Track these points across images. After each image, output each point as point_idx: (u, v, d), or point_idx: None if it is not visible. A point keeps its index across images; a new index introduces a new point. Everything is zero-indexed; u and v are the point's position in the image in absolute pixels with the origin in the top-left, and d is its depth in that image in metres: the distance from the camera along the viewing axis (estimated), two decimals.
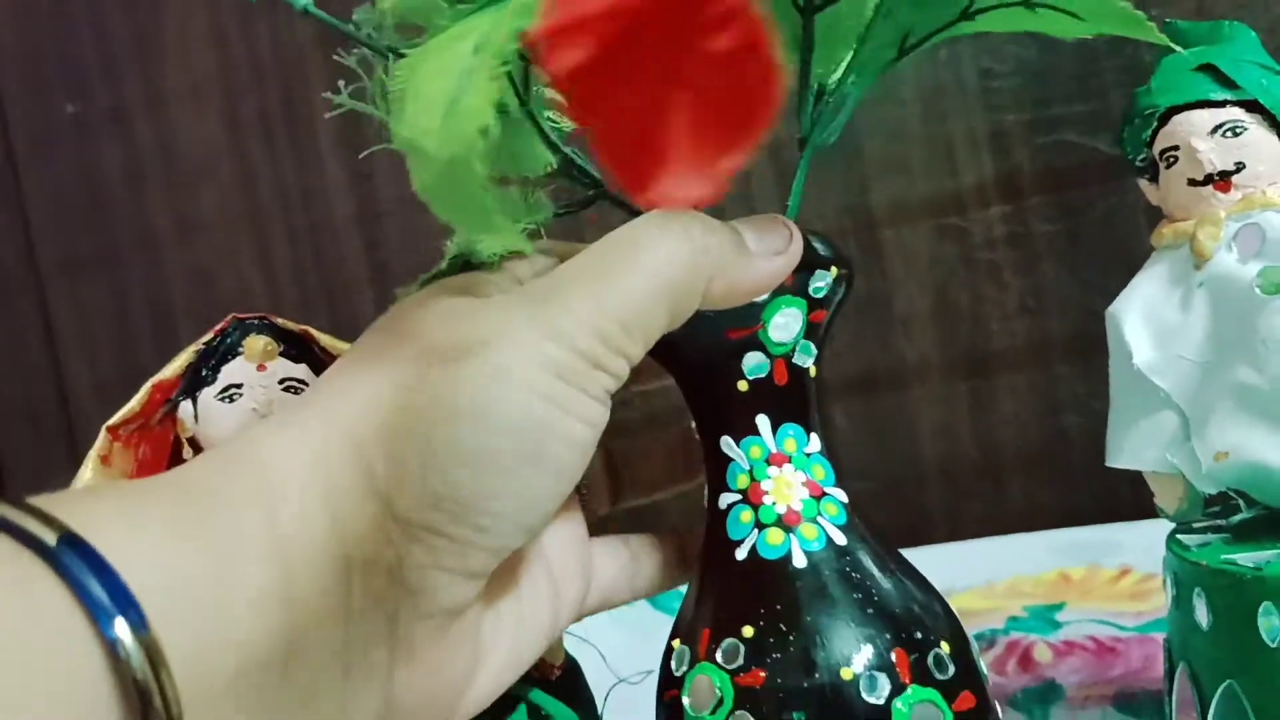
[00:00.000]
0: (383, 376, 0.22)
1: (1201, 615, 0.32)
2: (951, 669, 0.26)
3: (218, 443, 0.32)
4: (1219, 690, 0.32)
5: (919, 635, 0.27)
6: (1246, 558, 0.31)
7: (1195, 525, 0.36)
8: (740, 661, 0.27)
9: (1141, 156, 0.36)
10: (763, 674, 0.27)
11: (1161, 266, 0.35)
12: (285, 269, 0.85)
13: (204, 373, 0.35)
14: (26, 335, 1.01)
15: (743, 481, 0.29)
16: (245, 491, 0.20)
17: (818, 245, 0.29)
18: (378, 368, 0.23)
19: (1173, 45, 0.28)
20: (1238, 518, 0.36)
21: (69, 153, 0.97)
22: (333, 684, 0.21)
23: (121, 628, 0.16)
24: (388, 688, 0.22)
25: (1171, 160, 0.34)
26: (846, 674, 0.26)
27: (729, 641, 0.28)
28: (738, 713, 0.27)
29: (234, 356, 0.34)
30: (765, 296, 0.28)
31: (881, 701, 0.26)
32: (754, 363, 0.28)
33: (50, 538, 0.17)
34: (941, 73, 0.77)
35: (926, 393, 0.80)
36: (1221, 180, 0.33)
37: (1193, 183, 0.34)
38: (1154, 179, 0.36)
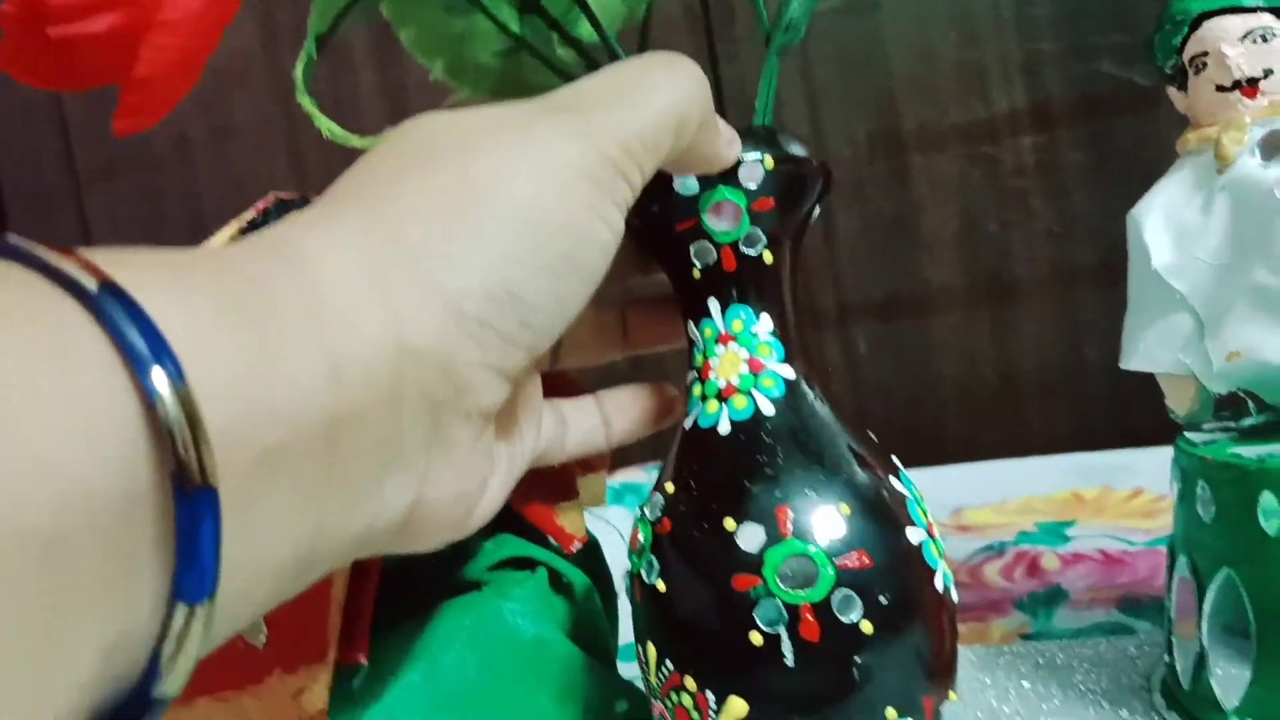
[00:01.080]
0: (422, 173, 0.23)
1: (1204, 508, 0.33)
2: (845, 530, 0.28)
3: None
4: (1217, 579, 0.33)
5: (810, 494, 0.28)
6: (1250, 451, 0.32)
7: (1205, 427, 0.37)
8: (658, 514, 0.30)
9: (1171, 63, 0.36)
10: (670, 523, 0.29)
11: (1185, 171, 0.36)
12: (318, 175, 0.86)
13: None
14: (65, 240, 1.03)
15: (698, 360, 0.31)
16: (287, 275, 0.20)
17: (782, 140, 0.30)
18: (414, 166, 0.23)
19: None
20: (1247, 421, 0.36)
21: None
22: (372, 473, 0.21)
23: (159, 378, 0.16)
24: (422, 483, 0.23)
25: (1200, 66, 0.35)
26: (729, 524, 0.28)
27: (655, 496, 0.31)
28: (650, 556, 0.30)
29: None
30: (698, 189, 0.29)
31: (754, 551, 0.27)
32: (702, 252, 0.30)
33: (91, 284, 0.17)
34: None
35: (949, 318, 0.81)
36: (1249, 86, 0.34)
37: (1220, 89, 0.34)
38: (1183, 86, 0.36)
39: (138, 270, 0.18)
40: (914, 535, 0.29)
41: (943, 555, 0.30)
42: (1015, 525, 0.57)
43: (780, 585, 0.27)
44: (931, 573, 0.29)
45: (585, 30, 0.33)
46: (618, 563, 0.40)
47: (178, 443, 0.16)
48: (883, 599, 0.27)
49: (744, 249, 0.30)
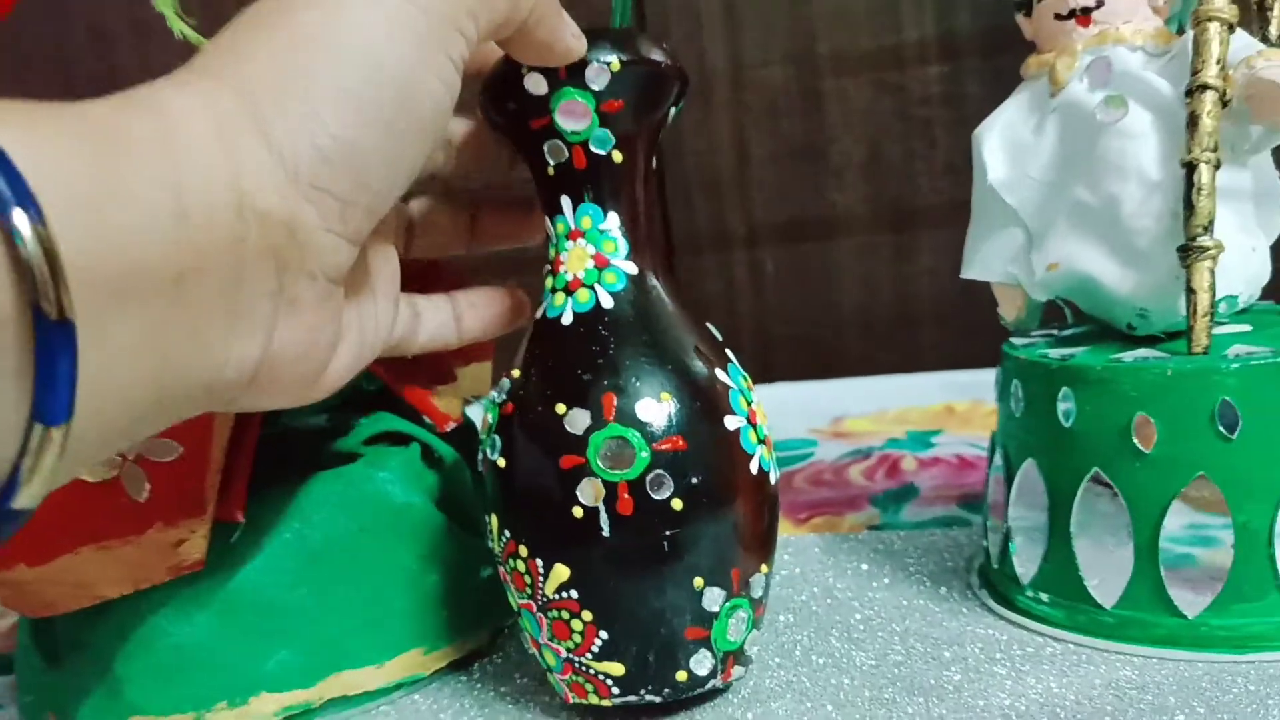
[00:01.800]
0: (266, 29, 0.24)
1: (1016, 404, 0.36)
2: (666, 419, 0.30)
3: None
4: (1022, 468, 0.36)
5: (636, 382, 0.30)
6: (1057, 353, 0.35)
7: (1032, 333, 0.40)
8: (503, 397, 0.32)
9: None
10: (512, 406, 0.32)
11: (1024, 94, 0.39)
12: None
13: None
14: None
15: (551, 254, 0.33)
16: (144, 126, 0.22)
17: (639, 43, 0.32)
18: (263, 24, 0.25)
19: None
20: (1067, 331, 0.40)
21: None
22: (219, 320, 0.23)
23: (20, 218, 0.18)
24: (269, 337, 0.24)
25: None
26: (560, 409, 0.30)
27: (503, 380, 0.33)
28: (495, 436, 0.32)
29: None
30: (547, 89, 0.31)
31: (579, 433, 0.30)
32: (554, 150, 0.32)
33: None
34: None
35: (852, 242, 0.84)
36: (1083, 15, 0.36)
37: (1058, 16, 0.37)
38: (1028, 13, 0.38)
39: (6, 116, 0.19)
40: (732, 423, 0.31)
41: (763, 441, 0.32)
42: (887, 433, 0.60)
43: (600, 465, 0.30)
44: (748, 457, 0.31)
45: None
46: None
47: (38, 279, 0.18)
48: (694, 480, 0.30)
49: (593, 148, 0.32)
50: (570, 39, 0.30)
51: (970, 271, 0.40)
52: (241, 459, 0.34)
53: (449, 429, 0.39)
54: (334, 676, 0.35)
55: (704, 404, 0.31)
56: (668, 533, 0.30)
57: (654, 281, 0.32)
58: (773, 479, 0.33)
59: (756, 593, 0.32)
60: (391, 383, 0.38)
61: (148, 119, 0.22)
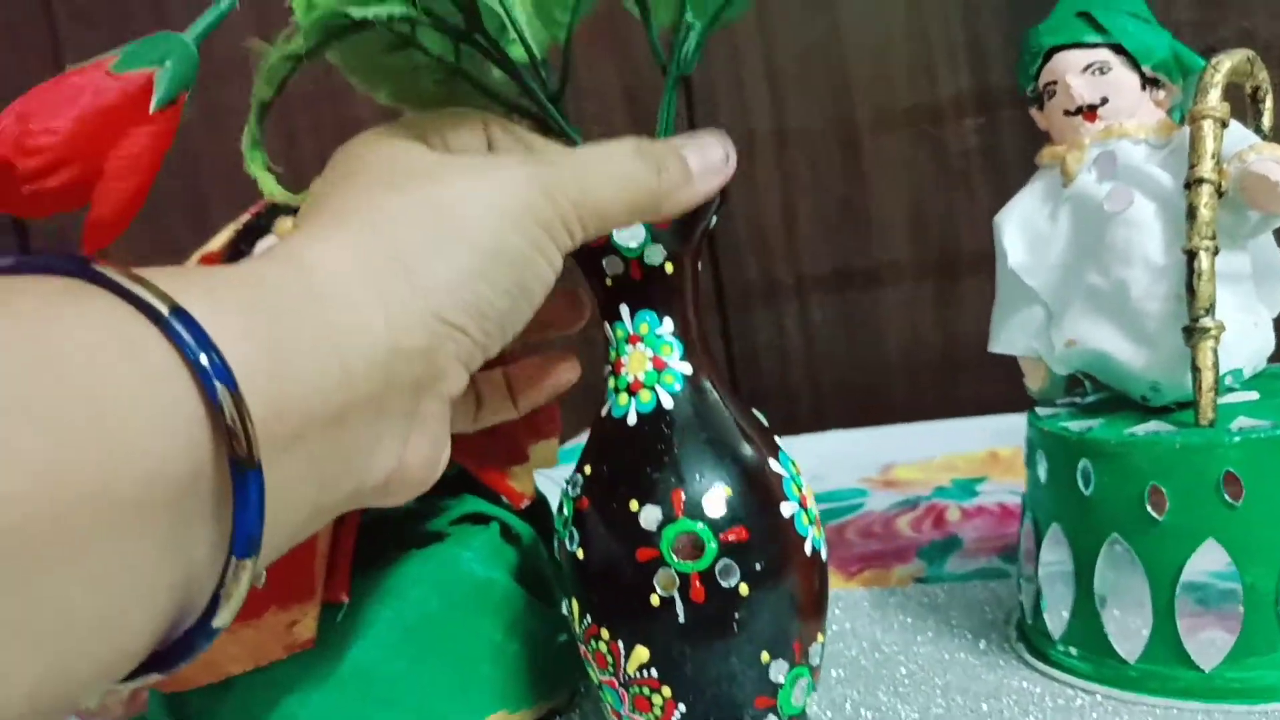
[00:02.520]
0: (398, 197, 0.29)
1: (1042, 471, 0.40)
2: (726, 509, 0.34)
3: None
4: (1050, 531, 0.39)
5: (699, 477, 0.34)
6: (1076, 425, 0.39)
7: (1057, 403, 0.43)
8: (578, 492, 0.36)
9: (1031, 88, 0.42)
10: (587, 501, 0.35)
11: (1039, 183, 0.42)
12: (311, 156, 0.91)
13: (242, 247, 0.42)
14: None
15: (612, 356, 0.37)
16: (305, 288, 0.26)
17: None
18: (385, 189, 0.29)
19: None
20: (1088, 398, 0.43)
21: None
22: (366, 443, 0.27)
23: (220, 386, 0.22)
24: (403, 450, 0.29)
25: (1052, 92, 0.41)
26: (633, 505, 0.34)
27: (576, 475, 0.36)
28: (572, 528, 0.36)
29: (267, 234, 0.42)
30: None
31: (653, 528, 0.34)
32: (612, 264, 0.36)
33: (163, 308, 0.22)
34: None
35: (897, 291, 0.87)
36: (1089, 111, 0.40)
37: (1067, 113, 0.40)
38: (1041, 108, 0.42)
39: (187, 289, 0.23)
40: (787, 509, 0.35)
41: (813, 522, 0.35)
42: (934, 481, 0.63)
43: (674, 557, 0.33)
44: (802, 540, 0.35)
45: (516, 52, 0.38)
46: None
47: (234, 433, 0.22)
48: (757, 566, 0.33)
49: (647, 261, 0.36)
50: (716, 180, 0.34)
51: (996, 346, 0.43)
52: (344, 544, 0.39)
53: (524, 506, 0.43)
54: None
55: (761, 494, 0.34)
56: (736, 615, 0.33)
57: (707, 380, 0.36)
58: (823, 555, 0.36)
59: (814, 660, 0.36)
60: (471, 467, 0.42)
61: (308, 281, 0.26)
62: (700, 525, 0.33)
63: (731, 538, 0.33)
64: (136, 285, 0.23)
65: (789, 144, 0.87)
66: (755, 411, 0.37)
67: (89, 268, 0.23)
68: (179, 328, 0.22)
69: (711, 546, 0.33)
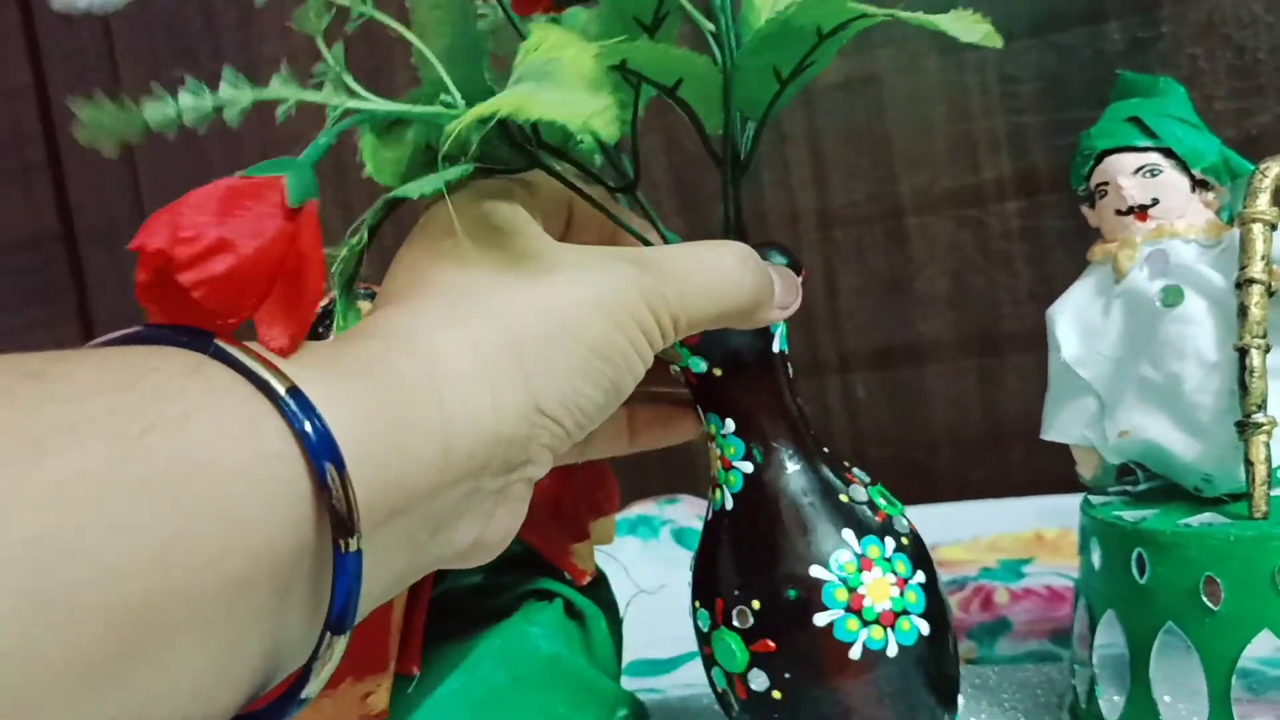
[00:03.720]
0: (521, 299, 0.30)
1: (1096, 559, 0.41)
2: (754, 622, 0.35)
3: None
4: (1105, 617, 0.40)
5: (736, 592, 0.36)
6: (1130, 514, 0.40)
7: (1109, 490, 0.44)
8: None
9: (1083, 188, 0.43)
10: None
11: (1091, 279, 0.43)
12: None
13: (319, 329, 0.44)
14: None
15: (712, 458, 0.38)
16: (418, 370, 0.27)
17: None
18: (513, 291, 0.30)
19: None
20: (1140, 487, 0.44)
21: None
22: (454, 521, 0.28)
23: (330, 467, 0.23)
24: (485, 526, 0.30)
25: (1103, 192, 0.42)
26: (697, 605, 0.37)
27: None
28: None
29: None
30: None
31: (706, 630, 0.37)
32: (678, 371, 0.38)
33: (280, 387, 0.23)
34: (967, 76, 0.85)
35: (941, 368, 0.88)
36: (1140, 212, 0.41)
37: (1118, 212, 0.42)
38: (1093, 206, 0.43)
39: (307, 370, 0.24)
40: (822, 619, 0.35)
41: (873, 621, 0.35)
42: (980, 562, 0.64)
43: (719, 659, 0.36)
44: (845, 646, 0.35)
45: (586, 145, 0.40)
46: (623, 593, 0.49)
47: (339, 515, 0.23)
48: (787, 675, 0.35)
49: (694, 370, 0.37)
50: (784, 315, 0.36)
51: (1050, 434, 0.44)
52: (416, 619, 0.40)
53: (586, 583, 0.44)
54: None
55: (793, 605, 0.35)
56: (775, 714, 0.36)
57: (771, 477, 0.37)
58: (890, 652, 0.35)
59: None
60: (537, 545, 0.43)
61: (428, 369, 0.27)
62: (734, 637, 0.36)
63: (759, 649, 0.36)
64: (257, 363, 0.24)
65: (832, 223, 0.89)
66: (860, 488, 0.38)
67: (212, 343, 0.24)
68: (295, 408, 0.23)
69: (744, 655, 0.36)
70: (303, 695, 0.25)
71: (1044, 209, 0.85)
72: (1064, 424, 0.44)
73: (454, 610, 0.42)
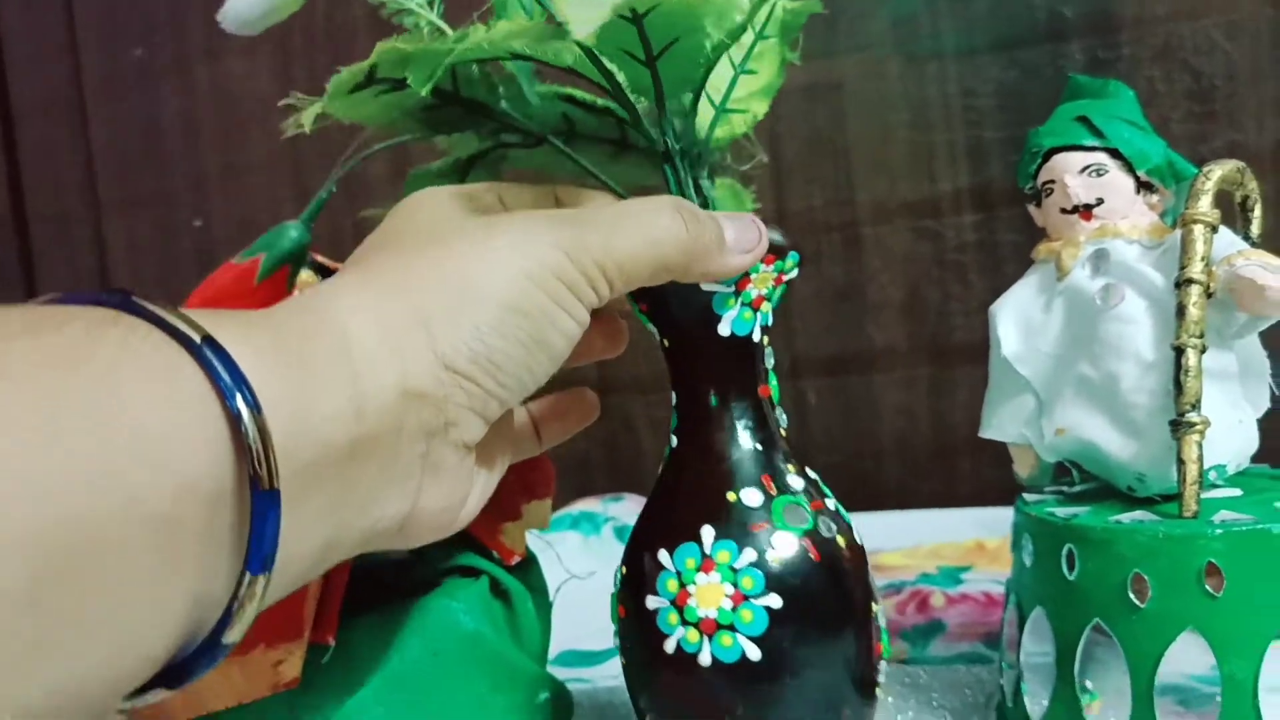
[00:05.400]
0: (428, 256, 0.30)
1: (1027, 556, 0.40)
2: (617, 585, 0.38)
3: None
4: (1033, 615, 0.40)
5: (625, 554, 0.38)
6: (1063, 511, 0.39)
7: (1045, 490, 0.44)
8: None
9: (1029, 185, 0.43)
10: None
11: (1035, 276, 0.43)
12: (322, 216, 0.93)
13: None
14: (80, 264, 1.10)
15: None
16: (328, 336, 0.27)
17: None
18: (420, 248, 0.31)
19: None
20: (1076, 488, 0.44)
21: (134, 96, 1.06)
22: (379, 486, 0.28)
23: (242, 405, 0.23)
24: (417, 495, 0.30)
25: (1049, 191, 0.42)
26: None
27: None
28: None
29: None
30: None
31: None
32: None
33: (195, 336, 0.24)
34: (929, 88, 0.85)
35: (891, 377, 0.88)
36: (1085, 211, 0.41)
37: (1063, 211, 0.42)
38: (1038, 204, 0.43)
39: (219, 326, 0.25)
40: (652, 602, 0.36)
41: (693, 624, 0.34)
42: (920, 568, 0.64)
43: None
44: (664, 636, 0.35)
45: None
46: (556, 577, 0.48)
47: (255, 454, 0.24)
48: (627, 645, 0.38)
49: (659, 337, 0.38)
50: (748, 259, 0.35)
51: (988, 432, 0.44)
52: (335, 589, 0.39)
53: (514, 563, 0.43)
54: None
55: (636, 581, 0.37)
56: (627, 680, 0.39)
57: (679, 457, 0.38)
58: (703, 660, 0.34)
59: None
60: None
61: (333, 333, 0.28)
62: (613, 596, 0.39)
63: (621, 612, 0.38)
64: (173, 316, 0.24)
65: (789, 229, 0.89)
66: (795, 477, 0.38)
67: (130, 300, 0.25)
68: (210, 355, 0.24)
69: (614, 615, 0.38)
70: (225, 640, 0.24)
71: (999, 222, 0.85)
72: (1002, 422, 0.44)
73: (374, 581, 0.41)
